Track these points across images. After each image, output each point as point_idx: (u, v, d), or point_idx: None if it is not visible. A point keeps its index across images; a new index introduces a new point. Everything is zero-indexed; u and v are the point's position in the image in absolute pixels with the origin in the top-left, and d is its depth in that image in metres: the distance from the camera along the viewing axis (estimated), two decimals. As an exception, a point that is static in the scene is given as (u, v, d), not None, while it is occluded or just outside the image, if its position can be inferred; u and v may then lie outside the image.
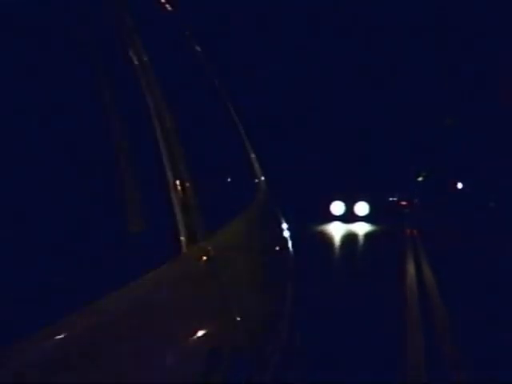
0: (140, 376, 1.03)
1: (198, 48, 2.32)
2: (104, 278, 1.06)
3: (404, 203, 24.01)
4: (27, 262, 0.88)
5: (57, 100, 1.07)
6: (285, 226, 2.71)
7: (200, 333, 1.33)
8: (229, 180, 2.29)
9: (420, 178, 26.13)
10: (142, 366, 1.04)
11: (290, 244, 2.69)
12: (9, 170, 0.89)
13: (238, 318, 1.58)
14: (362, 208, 20.02)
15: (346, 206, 19.97)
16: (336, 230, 17.00)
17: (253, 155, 2.60)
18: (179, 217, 1.41)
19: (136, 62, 1.43)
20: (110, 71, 1.30)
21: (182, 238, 1.40)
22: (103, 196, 1.17)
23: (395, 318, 6.71)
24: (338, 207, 20.02)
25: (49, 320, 0.85)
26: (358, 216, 19.70)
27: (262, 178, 2.65)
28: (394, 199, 23.47)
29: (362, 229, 17.50)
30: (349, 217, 19.47)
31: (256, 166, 2.62)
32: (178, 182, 1.45)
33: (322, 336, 5.60)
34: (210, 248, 1.55)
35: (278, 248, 2.55)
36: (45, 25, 1.09)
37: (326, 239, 15.31)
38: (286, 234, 2.70)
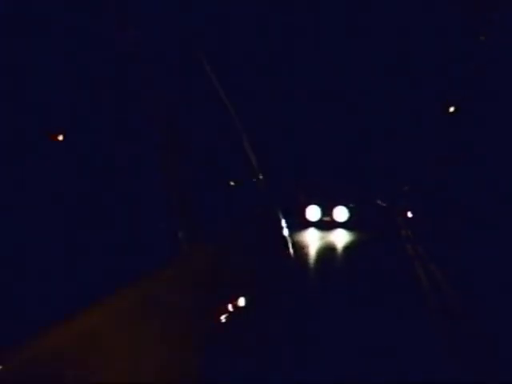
0: (140, 374, 1.03)
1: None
2: (104, 278, 1.06)
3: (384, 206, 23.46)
4: (27, 263, 0.89)
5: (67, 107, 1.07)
6: (284, 224, 2.71)
7: (199, 332, 1.34)
8: (232, 183, 2.30)
9: (406, 188, 26.80)
10: (141, 364, 1.04)
11: (289, 242, 2.68)
12: (9, 170, 0.90)
13: (238, 318, 1.58)
14: (340, 213, 17.93)
15: (323, 210, 17.83)
16: (311, 239, 14.33)
17: (253, 156, 2.61)
18: (179, 217, 1.42)
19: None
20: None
21: (182, 238, 1.40)
22: (104, 197, 1.18)
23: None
24: (313, 212, 17.91)
25: (49, 320, 0.86)
26: (336, 222, 17.63)
27: (261, 177, 2.65)
28: (383, 204, 22.26)
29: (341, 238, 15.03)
30: (326, 223, 17.42)
31: (256, 166, 2.62)
32: (178, 183, 1.46)
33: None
34: (210, 248, 1.55)
35: (278, 247, 2.55)
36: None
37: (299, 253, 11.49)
38: (286, 232, 2.70)
